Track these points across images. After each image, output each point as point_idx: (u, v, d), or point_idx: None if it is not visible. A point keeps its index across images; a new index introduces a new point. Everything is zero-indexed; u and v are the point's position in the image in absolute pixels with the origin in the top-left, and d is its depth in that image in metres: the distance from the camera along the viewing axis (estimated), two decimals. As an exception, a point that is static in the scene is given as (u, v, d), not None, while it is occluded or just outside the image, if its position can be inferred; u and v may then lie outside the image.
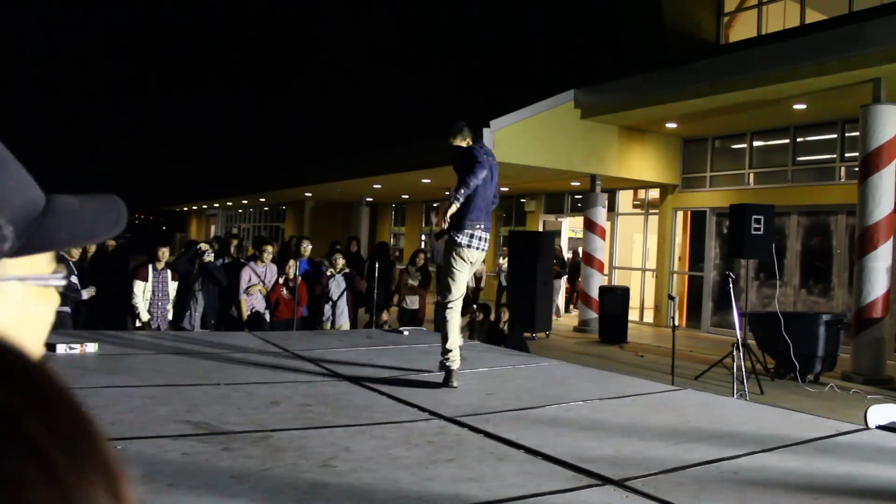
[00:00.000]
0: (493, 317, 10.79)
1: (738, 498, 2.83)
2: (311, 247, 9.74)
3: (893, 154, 10.22)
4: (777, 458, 3.45)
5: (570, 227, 19.71)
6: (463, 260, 5.06)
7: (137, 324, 8.04)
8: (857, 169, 10.89)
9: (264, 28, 35.52)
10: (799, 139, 14.05)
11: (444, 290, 5.10)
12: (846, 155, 13.10)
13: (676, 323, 10.31)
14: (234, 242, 10.44)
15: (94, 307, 8.33)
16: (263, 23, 35.10)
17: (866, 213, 10.21)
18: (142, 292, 8.00)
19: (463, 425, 3.75)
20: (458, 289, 5.07)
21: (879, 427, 4.50)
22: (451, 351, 4.86)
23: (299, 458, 3.07)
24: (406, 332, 7.48)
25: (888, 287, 10.32)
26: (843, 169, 13.24)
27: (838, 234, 13.31)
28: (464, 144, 5.39)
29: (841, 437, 3.93)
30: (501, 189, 23.27)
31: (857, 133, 10.72)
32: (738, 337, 8.68)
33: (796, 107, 12.26)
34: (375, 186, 21.68)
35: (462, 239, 5.03)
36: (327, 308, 9.17)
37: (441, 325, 5.06)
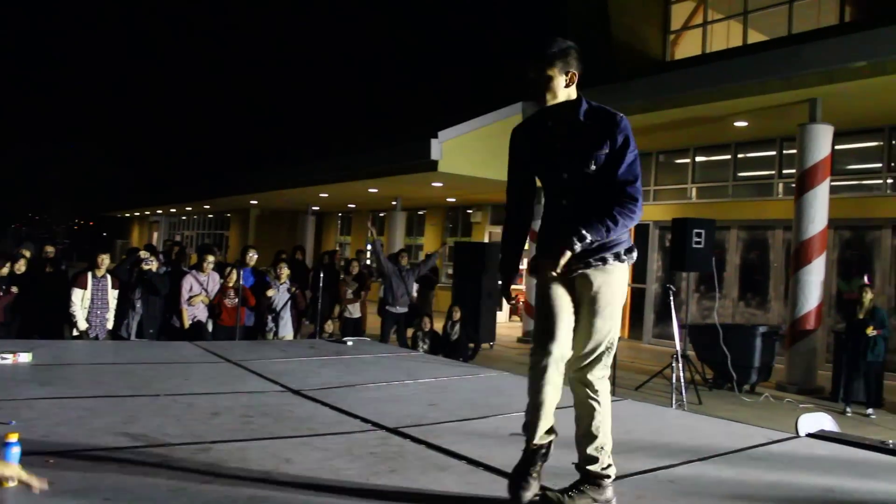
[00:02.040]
0: (430, 325, 10.84)
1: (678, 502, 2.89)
2: (257, 256, 9.66)
3: (827, 172, 10.57)
4: (712, 467, 3.53)
5: (516, 238, 19.81)
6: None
7: (75, 332, 7.86)
8: (793, 185, 11.22)
9: (212, 33, 35.12)
10: (740, 155, 14.42)
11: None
12: (784, 171, 13.49)
13: (619, 334, 10.46)
14: (176, 249, 10.29)
15: (29, 315, 8.13)
16: (213, 27, 34.72)
17: (802, 229, 10.53)
18: (80, 300, 7.82)
19: (405, 436, 3.75)
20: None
21: (809, 435, 4.63)
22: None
23: (239, 470, 3.04)
24: (350, 343, 7.45)
25: (821, 300, 10.65)
26: (780, 185, 13.63)
27: (775, 248, 13.68)
28: (570, 92, 2.92)
29: (773, 445, 4.05)
30: (448, 200, 23.52)
31: (795, 151, 11.05)
32: (678, 348, 8.86)
33: (737, 124, 12.59)
34: (322, 195, 21.58)
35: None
36: (270, 318, 9.09)
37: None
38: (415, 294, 11.56)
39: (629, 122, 2.88)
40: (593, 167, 2.83)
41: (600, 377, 2.87)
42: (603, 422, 2.85)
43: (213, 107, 34.01)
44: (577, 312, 2.89)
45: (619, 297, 2.90)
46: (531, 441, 2.88)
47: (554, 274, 2.82)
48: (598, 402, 2.85)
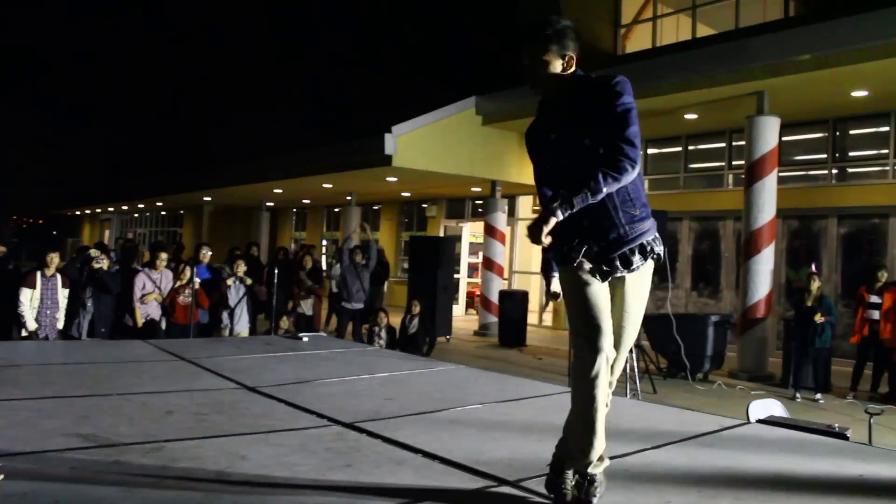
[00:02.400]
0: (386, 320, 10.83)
1: (626, 493, 2.93)
2: (210, 253, 9.54)
3: (775, 163, 10.79)
4: (665, 454, 3.59)
5: (471, 231, 19.93)
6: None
7: (24, 333, 7.69)
8: (743, 176, 11.44)
9: (163, 26, 34.54)
10: (690, 147, 14.65)
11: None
12: (733, 163, 13.74)
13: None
14: (127, 245, 10.16)
15: (-24, 316, 7.94)
16: (163, 19, 34.13)
17: (751, 219, 10.73)
18: (29, 300, 7.66)
19: (361, 431, 3.75)
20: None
21: (759, 421, 4.75)
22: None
23: (193, 468, 3.01)
24: (306, 339, 7.41)
25: (771, 288, 10.88)
26: (730, 176, 13.87)
27: (726, 238, 13.93)
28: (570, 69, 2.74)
29: (724, 431, 4.13)
30: (402, 194, 23.50)
31: (743, 142, 11.26)
32: (633, 338, 8.96)
33: (688, 116, 12.78)
34: (276, 191, 21.38)
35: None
36: (225, 315, 9.00)
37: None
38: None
39: (626, 80, 2.66)
40: (587, 143, 2.61)
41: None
42: None
43: (164, 102, 33.47)
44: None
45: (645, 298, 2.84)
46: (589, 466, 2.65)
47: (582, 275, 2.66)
48: None
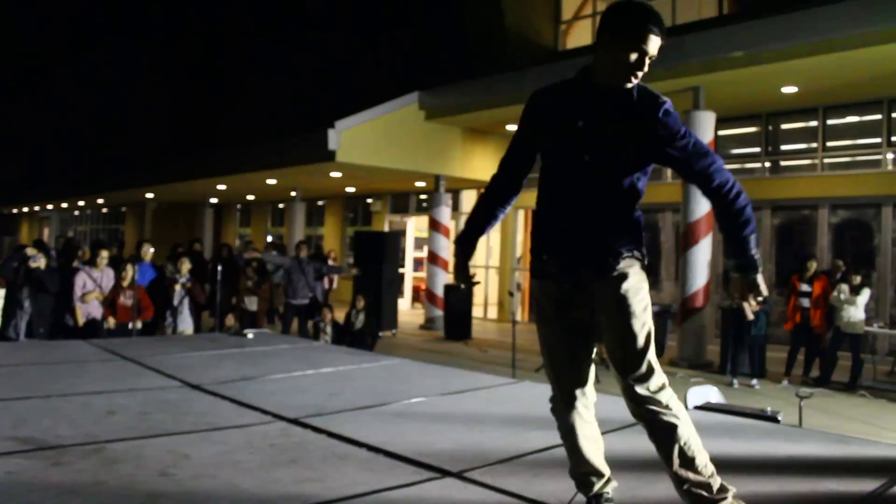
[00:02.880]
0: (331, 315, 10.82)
1: (568, 481, 2.98)
2: (152, 250, 9.39)
3: (711, 156, 11.04)
4: (606, 441, 3.67)
5: (416, 226, 19.97)
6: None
7: (-43, 336, 7.49)
8: (680, 170, 11.68)
9: (101, 20, 33.64)
10: (630, 141, 14.88)
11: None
12: (672, 156, 14.00)
13: (518, 318, 10.66)
14: (68, 244, 9.95)
15: None
16: (101, 14, 33.24)
17: (689, 211, 10.99)
18: (-38, 301, 7.45)
19: (306, 426, 3.76)
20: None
21: (696, 407, 4.90)
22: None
23: (136, 468, 2.99)
24: (250, 336, 7.36)
25: (708, 279, 11.16)
26: (669, 170, 14.14)
27: (666, 230, 14.23)
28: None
29: (663, 419, 4.24)
30: (347, 190, 23.34)
31: (681, 136, 11.49)
32: (576, 330, 9.11)
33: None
34: (220, 187, 21.10)
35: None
36: (168, 313, 8.87)
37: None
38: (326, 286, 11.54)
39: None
40: (624, 156, 2.48)
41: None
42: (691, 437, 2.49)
43: (104, 99, 32.63)
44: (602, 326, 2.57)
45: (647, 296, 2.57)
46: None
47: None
48: (677, 417, 2.48)
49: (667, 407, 2.47)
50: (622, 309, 2.48)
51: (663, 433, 2.47)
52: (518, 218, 16.81)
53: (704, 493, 2.43)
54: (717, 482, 2.47)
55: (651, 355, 2.49)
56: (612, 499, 2.70)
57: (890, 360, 10.51)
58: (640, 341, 2.47)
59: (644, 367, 2.47)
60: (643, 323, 2.48)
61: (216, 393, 4.56)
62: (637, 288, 2.50)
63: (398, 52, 18.55)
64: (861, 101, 11.91)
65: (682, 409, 2.52)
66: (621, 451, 3.49)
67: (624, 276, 2.49)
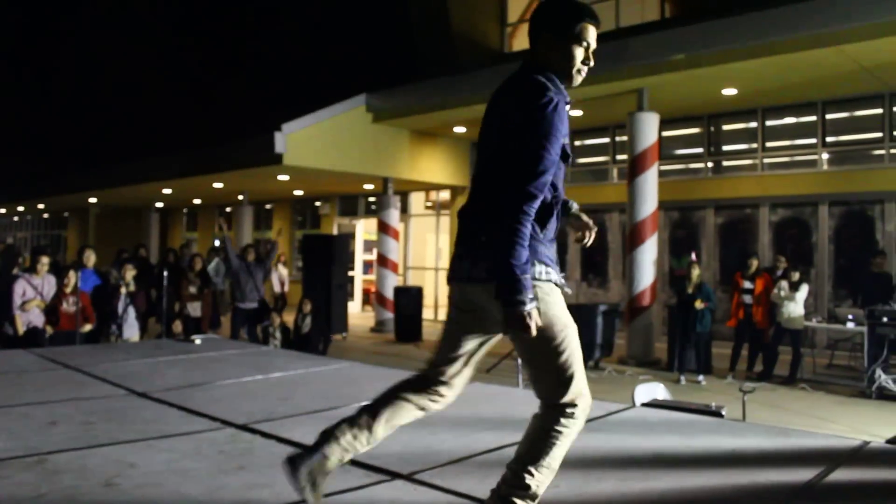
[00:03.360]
0: (280, 319, 10.73)
1: (517, 480, 3.03)
2: (94, 256, 9.18)
3: (655, 157, 11.26)
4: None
5: (365, 229, 19.92)
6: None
7: None
8: (626, 170, 11.89)
9: (42, 21, 32.80)
10: (576, 142, 15.07)
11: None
12: (617, 157, 14.23)
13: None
14: (7, 250, 9.67)
15: None
16: (44, 13, 32.38)
17: (635, 211, 11.17)
18: None
19: (255, 432, 3.73)
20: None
21: (643, 404, 4.99)
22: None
23: (78, 479, 2.93)
24: (198, 341, 7.26)
25: (655, 277, 11.35)
26: (615, 170, 14.37)
27: (613, 230, 14.42)
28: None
29: (611, 416, 4.32)
30: (295, 193, 23.16)
31: (626, 137, 11.70)
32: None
33: (573, 112, 13.08)
34: (165, 191, 20.75)
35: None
36: (113, 320, 8.69)
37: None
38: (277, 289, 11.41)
39: None
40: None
41: None
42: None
43: (45, 101, 31.80)
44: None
45: None
46: None
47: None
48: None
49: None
50: None
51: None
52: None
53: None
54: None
55: None
56: None
57: (828, 353, 10.82)
58: None
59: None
60: None
61: (163, 400, 4.49)
62: None
63: (345, 54, 18.47)
64: (798, 103, 12.26)
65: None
66: (569, 450, 3.54)
67: None
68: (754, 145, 12.86)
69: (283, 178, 16.31)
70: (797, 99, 12.05)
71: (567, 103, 2.37)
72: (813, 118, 12.22)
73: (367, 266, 19.48)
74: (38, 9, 32.77)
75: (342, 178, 15.94)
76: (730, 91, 11.47)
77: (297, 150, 13.55)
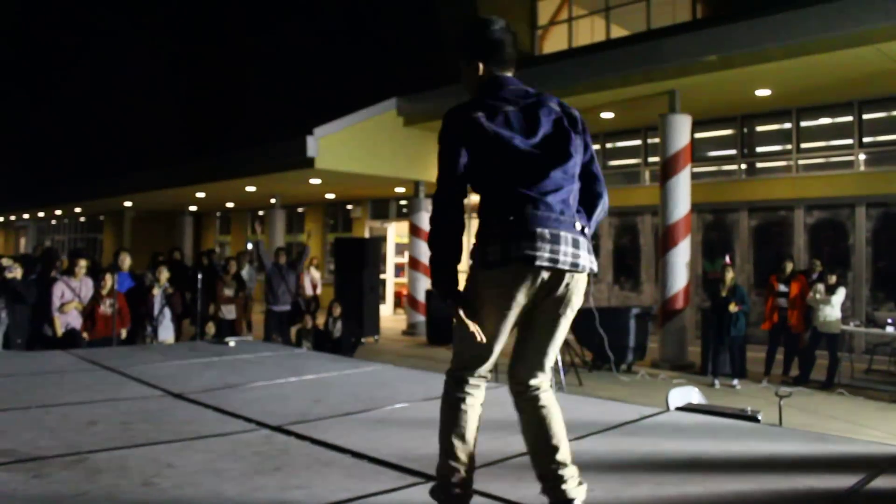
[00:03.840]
0: (319, 321, 10.78)
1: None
2: (129, 259, 9.31)
3: (688, 159, 11.16)
4: (589, 444, 3.70)
5: (397, 232, 19.95)
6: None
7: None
8: (658, 172, 11.79)
9: (77, 27, 33.35)
10: (608, 145, 15.00)
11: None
12: (649, 159, 14.13)
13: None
14: (47, 253, 9.84)
15: None
16: (80, 21, 32.93)
17: (667, 213, 11.06)
18: (-62, 313, 7.37)
19: (290, 433, 3.76)
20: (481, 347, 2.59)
21: (678, 408, 4.94)
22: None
23: (119, 478, 2.97)
24: (232, 343, 7.33)
25: (688, 280, 11.23)
26: (647, 172, 14.26)
27: (645, 232, 14.32)
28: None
29: (644, 420, 4.28)
30: (327, 196, 23.21)
31: (658, 139, 11.61)
32: (557, 333, 9.14)
33: (604, 115, 13.09)
34: (199, 195, 20.98)
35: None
36: (149, 322, 8.80)
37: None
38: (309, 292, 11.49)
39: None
40: None
41: None
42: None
43: (81, 106, 32.34)
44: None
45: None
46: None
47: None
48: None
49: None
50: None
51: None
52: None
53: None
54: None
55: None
56: None
57: (867, 357, 10.63)
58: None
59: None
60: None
61: (199, 401, 4.54)
62: None
63: (376, 59, 18.55)
64: (833, 103, 12.08)
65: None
66: (604, 454, 3.52)
67: None
68: (789, 146, 12.69)
69: (315, 181, 16.41)
70: (833, 99, 11.87)
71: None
72: (849, 118, 12.03)
73: (399, 269, 19.52)
74: (69, 9, 33.29)
75: (373, 182, 16.00)
76: (763, 92, 11.34)
77: (328, 154, 13.64)
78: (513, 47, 2.77)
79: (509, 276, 2.47)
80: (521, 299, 2.50)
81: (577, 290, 2.58)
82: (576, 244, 2.51)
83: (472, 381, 2.64)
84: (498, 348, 2.60)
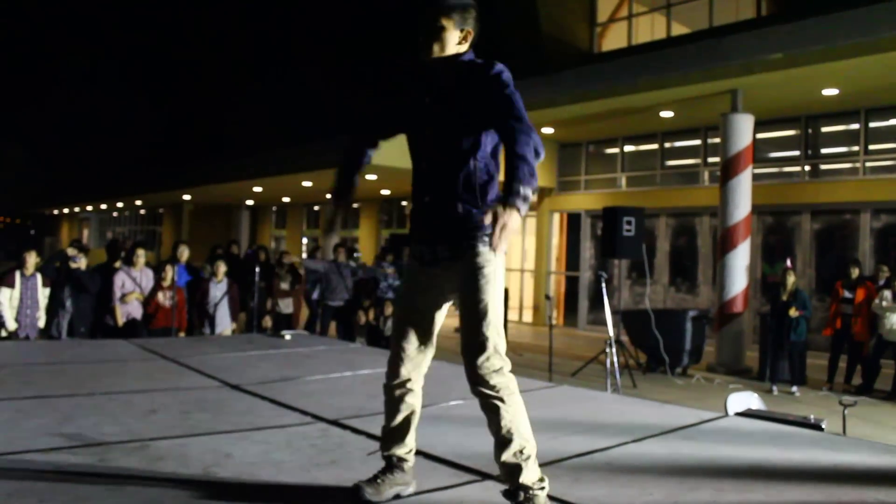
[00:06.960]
0: (365, 318, 10.81)
1: (609, 485, 2.98)
2: (187, 251, 9.48)
3: (749, 160, 10.93)
4: (646, 447, 3.65)
5: (452, 229, 19.93)
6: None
7: (3, 333, 7.62)
8: (718, 173, 11.57)
9: (139, 24, 34.19)
10: (666, 144, 14.78)
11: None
12: (709, 160, 13.88)
13: (554, 322, 10.60)
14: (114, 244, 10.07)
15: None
16: (143, 21, 33.76)
17: (727, 215, 10.86)
18: (8, 300, 7.60)
19: (346, 427, 3.78)
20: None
21: (737, 414, 4.83)
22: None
23: (179, 466, 3.02)
24: (288, 336, 7.42)
25: (747, 284, 11.01)
26: (706, 173, 14.01)
27: (703, 234, 14.08)
28: (464, 47, 2.73)
29: (703, 424, 4.20)
30: (382, 192, 23.36)
31: (718, 139, 11.39)
32: (612, 334, 9.06)
33: (663, 114, 12.90)
34: (256, 189, 21.31)
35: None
36: (206, 314, 8.95)
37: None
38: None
39: (507, 69, 2.65)
40: (462, 121, 2.64)
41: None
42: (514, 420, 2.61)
43: (142, 100, 33.14)
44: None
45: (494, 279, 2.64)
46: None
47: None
48: (502, 400, 2.63)
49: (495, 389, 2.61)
50: (467, 287, 2.64)
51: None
52: (553, 221, 16.74)
53: (515, 477, 2.57)
54: (530, 470, 2.58)
55: (494, 337, 2.63)
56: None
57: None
58: (477, 320, 2.63)
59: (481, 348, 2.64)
60: (484, 302, 2.60)
61: (256, 393, 4.59)
62: (482, 267, 2.61)
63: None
64: (904, 104, 11.70)
65: (515, 393, 2.65)
66: (662, 457, 3.46)
67: (474, 255, 2.62)
68: (856, 148, 12.33)
69: (371, 177, 16.52)
70: (904, 99, 11.50)
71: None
72: (920, 119, 11.65)
73: (452, 266, 19.52)
74: (135, 8, 34.05)
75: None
76: (830, 91, 11.03)
77: (385, 150, 13.64)
78: None
79: None
80: None
81: None
82: None
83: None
84: None
